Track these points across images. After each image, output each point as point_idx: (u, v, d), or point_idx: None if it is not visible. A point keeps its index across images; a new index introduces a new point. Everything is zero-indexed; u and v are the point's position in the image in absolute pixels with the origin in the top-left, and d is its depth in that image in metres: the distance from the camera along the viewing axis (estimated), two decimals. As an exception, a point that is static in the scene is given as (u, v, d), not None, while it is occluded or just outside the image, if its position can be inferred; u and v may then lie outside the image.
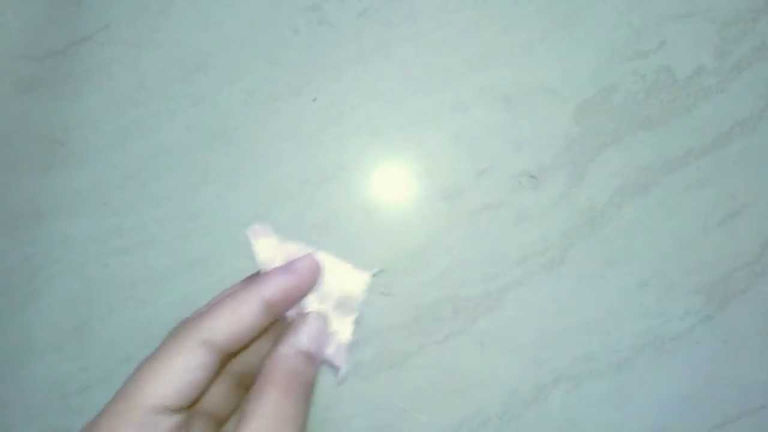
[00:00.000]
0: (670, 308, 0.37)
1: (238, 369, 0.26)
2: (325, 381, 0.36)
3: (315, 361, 0.23)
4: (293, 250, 0.26)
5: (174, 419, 0.21)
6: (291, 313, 0.25)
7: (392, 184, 0.37)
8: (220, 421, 0.26)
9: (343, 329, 0.26)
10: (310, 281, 0.25)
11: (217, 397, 0.25)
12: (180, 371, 0.22)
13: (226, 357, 0.23)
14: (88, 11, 0.38)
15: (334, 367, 0.26)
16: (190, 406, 0.23)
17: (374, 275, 0.26)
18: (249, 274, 0.24)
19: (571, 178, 0.37)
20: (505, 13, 0.37)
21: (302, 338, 0.24)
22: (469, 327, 0.37)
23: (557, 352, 0.36)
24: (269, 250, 0.26)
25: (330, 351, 0.25)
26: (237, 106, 0.38)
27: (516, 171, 0.37)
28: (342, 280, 0.26)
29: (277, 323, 0.24)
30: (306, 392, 0.22)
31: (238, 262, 0.37)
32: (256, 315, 0.23)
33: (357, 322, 0.26)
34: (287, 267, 0.25)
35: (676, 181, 0.37)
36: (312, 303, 0.25)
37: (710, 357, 0.37)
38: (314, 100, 0.37)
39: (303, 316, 0.24)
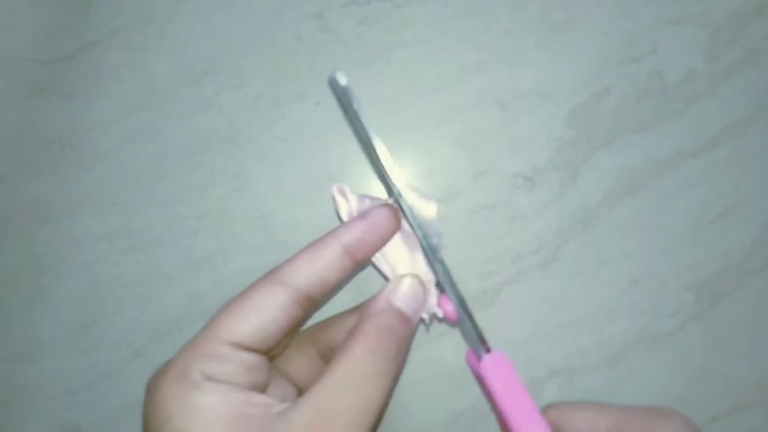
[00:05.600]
0: (661, 305, 0.37)
1: (325, 343, 0.26)
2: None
3: (408, 322, 0.23)
4: (371, 203, 0.27)
5: (246, 356, 0.21)
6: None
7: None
8: (300, 390, 0.25)
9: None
10: (387, 226, 0.25)
11: (301, 365, 0.26)
12: (256, 309, 0.21)
13: (308, 302, 0.23)
14: (97, 17, 0.39)
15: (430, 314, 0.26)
16: (267, 352, 0.22)
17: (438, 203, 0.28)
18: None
19: (565, 179, 0.37)
20: (500, 21, 0.38)
21: (397, 296, 0.23)
22: (465, 323, 0.37)
23: (551, 347, 0.37)
24: (349, 204, 0.27)
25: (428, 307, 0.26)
26: (243, 110, 0.38)
27: (511, 173, 0.38)
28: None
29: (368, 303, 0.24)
30: (395, 351, 0.21)
31: (244, 261, 0.38)
32: (335, 258, 0.23)
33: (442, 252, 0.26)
34: (363, 214, 0.25)
35: (667, 182, 0.37)
36: (399, 247, 0.26)
37: (701, 353, 0.37)
38: (317, 104, 0.38)
39: (400, 277, 0.24)
